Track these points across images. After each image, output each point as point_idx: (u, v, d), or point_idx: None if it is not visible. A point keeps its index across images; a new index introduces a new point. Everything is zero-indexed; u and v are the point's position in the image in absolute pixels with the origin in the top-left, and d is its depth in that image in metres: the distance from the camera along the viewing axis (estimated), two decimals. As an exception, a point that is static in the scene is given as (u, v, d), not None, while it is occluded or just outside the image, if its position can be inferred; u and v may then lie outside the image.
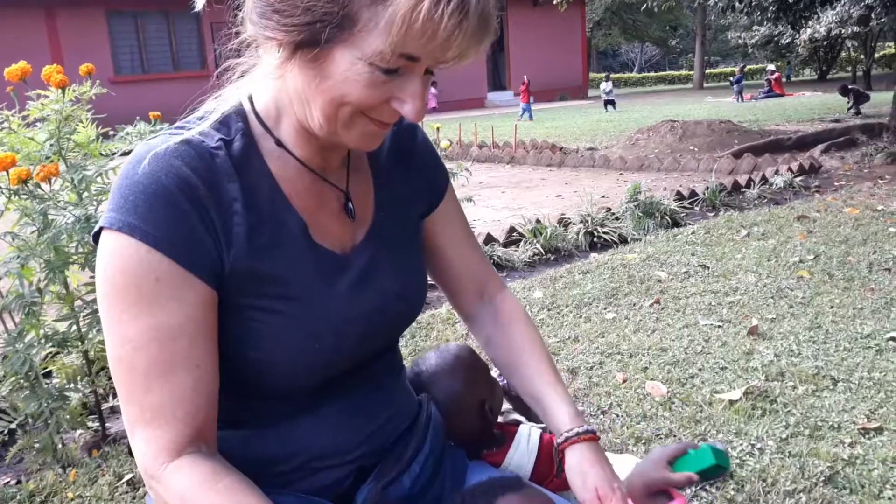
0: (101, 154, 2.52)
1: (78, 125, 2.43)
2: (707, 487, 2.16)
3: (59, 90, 2.39)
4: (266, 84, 1.11)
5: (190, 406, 1.04)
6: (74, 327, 2.50)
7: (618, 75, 49.39)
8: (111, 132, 2.62)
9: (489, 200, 8.01)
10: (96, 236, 1.05)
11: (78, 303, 2.50)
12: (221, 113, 1.13)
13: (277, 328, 1.10)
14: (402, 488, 1.27)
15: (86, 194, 2.41)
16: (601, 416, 2.66)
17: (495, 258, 4.89)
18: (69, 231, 2.31)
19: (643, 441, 2.47)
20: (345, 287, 1.17)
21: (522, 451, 1.53)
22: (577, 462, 1.29)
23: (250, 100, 1.13)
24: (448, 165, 1.59)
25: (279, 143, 1.12)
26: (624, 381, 2.93)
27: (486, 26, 0.96)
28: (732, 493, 2.13)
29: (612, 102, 23.43)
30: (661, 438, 2.48)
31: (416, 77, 1.00)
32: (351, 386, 1.23)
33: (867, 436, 2.44)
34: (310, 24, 0.94)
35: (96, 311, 2.42)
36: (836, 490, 2.15)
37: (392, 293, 1.25)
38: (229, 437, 1.15)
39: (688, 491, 2.15)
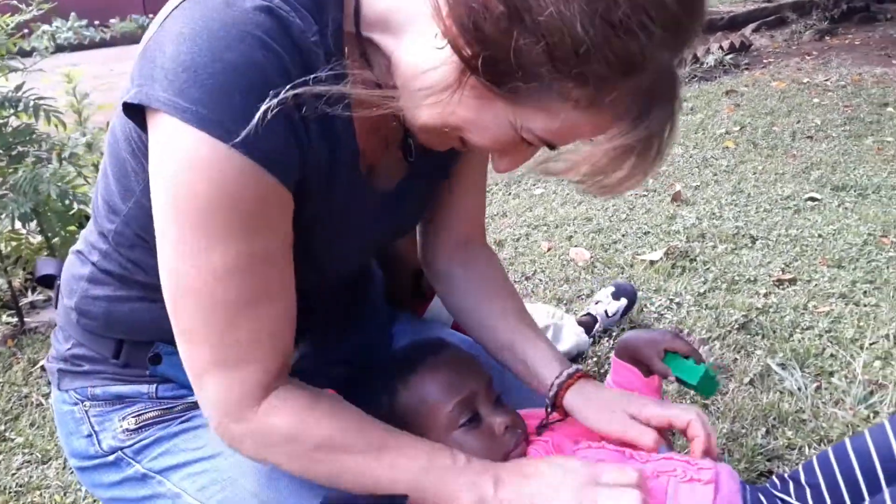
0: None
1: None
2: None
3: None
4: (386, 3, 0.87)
5: (279, 339, 0.93)
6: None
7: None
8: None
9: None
10: (137, 113, 0.83)
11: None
12: None
13: (309, 250, 0.98)
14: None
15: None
16: (525, 282, 2.69)
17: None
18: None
19: (564, 301, 2.51)
20: (371, 219, 1.07)
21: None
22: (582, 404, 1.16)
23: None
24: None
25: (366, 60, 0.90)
26: (549, 250, 2.95)
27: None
28: (649, 343, 2.18)
29: None
30: (582, 299, 2.52)
31: (537, 151, 0.90)
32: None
33: (781, 287, 2.50)
34: (508, 67, 0.75)
35: (1, 196, 2.33)
36: (748, 336, 2.21)
37: (410, 225, 1.27)
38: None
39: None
